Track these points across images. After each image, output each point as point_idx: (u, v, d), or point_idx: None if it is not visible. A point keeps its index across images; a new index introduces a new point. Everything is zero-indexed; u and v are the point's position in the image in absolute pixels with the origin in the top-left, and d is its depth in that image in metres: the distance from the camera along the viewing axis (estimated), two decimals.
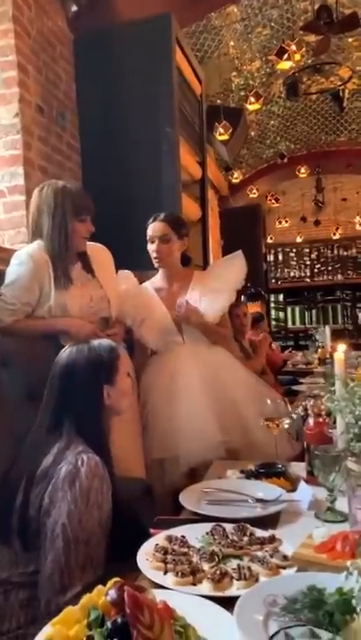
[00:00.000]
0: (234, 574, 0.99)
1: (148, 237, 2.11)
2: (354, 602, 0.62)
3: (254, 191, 8.44)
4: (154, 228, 2.10)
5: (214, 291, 2.12)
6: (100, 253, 2.00)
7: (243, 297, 6.02)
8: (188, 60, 3.40)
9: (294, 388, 3.34)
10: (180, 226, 2.13)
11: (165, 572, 1.00)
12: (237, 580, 0.98)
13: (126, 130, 3.01)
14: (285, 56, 4.36)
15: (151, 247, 2.11)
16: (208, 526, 1.17)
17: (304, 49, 5.01)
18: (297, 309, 10.10)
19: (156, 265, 2.14)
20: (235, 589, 0.96)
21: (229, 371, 2.10)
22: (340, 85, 6.17)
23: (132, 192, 2.86)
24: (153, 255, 2.11)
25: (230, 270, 2.18)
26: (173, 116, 2.99)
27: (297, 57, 4.46)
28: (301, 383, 3.55)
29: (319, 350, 4.57)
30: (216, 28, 5.26)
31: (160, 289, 2.19)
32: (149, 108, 2.99)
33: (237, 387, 2.04)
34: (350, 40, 5.76)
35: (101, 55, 3.07)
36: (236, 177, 7.81)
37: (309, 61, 5.88)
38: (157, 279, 2.22)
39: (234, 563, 1.04)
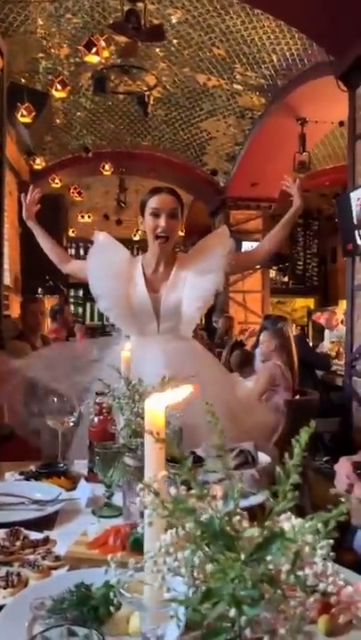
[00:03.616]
0: (1, 582, 0.94)
1: (149, 210, 1.86)
2: (111, 594, 0.65)
3: (57, 181, 8.25)
4: (162, 201, 1.85)
5: (201, 272, 1.90)
6: None
7: (40, 289, 5.86)
8: None
9: None
10: (182, 203, 1.91)
11: None
12: (4, 588, 0.93)
13: None
14: (94, 50, 4.36)
15: (155, 222, 1.85)
16: None
17: (113, 47, 5.08)
18: (96, 306, 10.20)
19: (158, 243, 1.88)
20: (1, 598, 0.91)
21: (198, 364, 1.89)
22: (145, 91, 6.41)
23: None
24: (158, 231, 1.86)
25: (215, 248, 1.96)
26: None
27: (105, 54, 4.49)
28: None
29: None
30: (23, 2, 4.99)
31: (146, 267, 1.96)
32: None
33: (206, 382, 1.79)
34: (157, 50, 6.03)
35: None
36: (39, 163, 7.54)
37: (119, 61, 5.99)
38: (146, 257, 1.98)
39: (3, 570, 0.98)
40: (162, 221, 1.85)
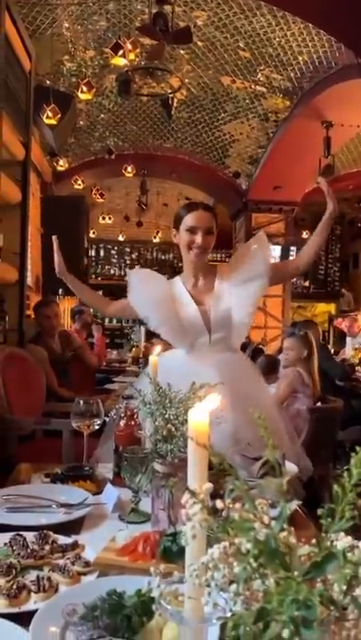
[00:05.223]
0: (32, 586, 0.93)
1: (185, 227, 1.87)
2: (154, 607, 0.63)
3: (79, 182, 8.30)
4: (200, 218, 1.87)
5: (245, 280, 1.92)
6: None
7: (60, 290, 5.87)
8: (18, 30, 3.18)
9: (107, 386, 3.36)
10: (217, 218, 1.95)
11: None
12: (36, 592, 0.92)
13: None
14: (120, 52, 4.37)
15: (190, 237, 1.87)
16: (7, 537, 1.09)
17: (139, 49, 5.09)
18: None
19: (195, 254, 1.89)
20: (32, 603, 0.91)
21: (246, 375, 1.94)
22: (169, 93, 6.42)
23: None
24: (194, 246, 1.87)
25: (255, 254, 1.96)
26: None
27: (131, 56, 4.50)
28: (114, 382, 3.59)
29: (133, 349, 4.68)
30: (51, 5, 5.03)
31: (187, 282, 1.98)
32: None
33: (259, 399, 1.87)
34: (182, 52, 6.03)
35: None
36: (62, 165, 7.59)
37: (143, 63, 6.00)
38: (183, 274, 2.01)
39: (33, 574, 0.98)
40: (198, 237, 1.86)
